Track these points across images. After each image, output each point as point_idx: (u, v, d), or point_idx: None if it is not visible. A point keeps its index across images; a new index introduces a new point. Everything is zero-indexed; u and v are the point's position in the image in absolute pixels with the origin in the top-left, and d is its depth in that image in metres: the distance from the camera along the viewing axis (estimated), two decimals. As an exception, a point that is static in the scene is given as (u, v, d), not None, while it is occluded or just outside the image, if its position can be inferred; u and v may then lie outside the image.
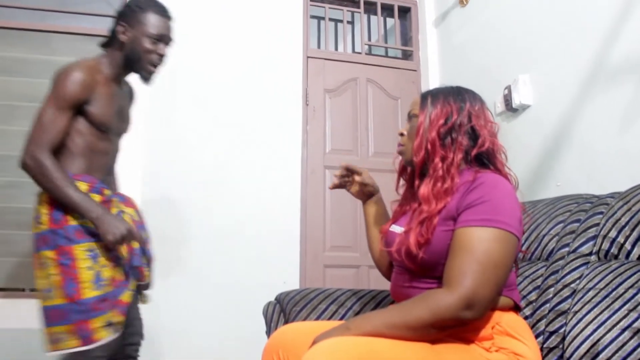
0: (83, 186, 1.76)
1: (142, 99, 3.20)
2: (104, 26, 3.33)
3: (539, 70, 2.65)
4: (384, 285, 1.67)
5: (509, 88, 2.79)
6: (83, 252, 1.69)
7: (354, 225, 3.46)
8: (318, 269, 3.35)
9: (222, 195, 3.20)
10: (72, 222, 1.71)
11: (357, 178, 1.60)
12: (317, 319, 1.72)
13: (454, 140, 1.26)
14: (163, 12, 1.92)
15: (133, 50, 1.87)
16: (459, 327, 1.08)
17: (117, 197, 1.94)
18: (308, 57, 3.60)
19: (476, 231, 1.10)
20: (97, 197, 1.78)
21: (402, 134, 1.37)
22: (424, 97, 1.34)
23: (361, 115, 3.63)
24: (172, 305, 2.97)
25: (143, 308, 3.03)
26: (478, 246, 1.07)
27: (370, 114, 3.65)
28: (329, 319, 1.72)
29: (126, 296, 1.79)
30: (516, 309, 1.22)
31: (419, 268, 1.20)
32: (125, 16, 1.89)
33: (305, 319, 1.73)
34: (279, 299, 1.91)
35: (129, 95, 2.10)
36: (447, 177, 1.21)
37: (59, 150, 1.77)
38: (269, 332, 1.89)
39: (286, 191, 3.36)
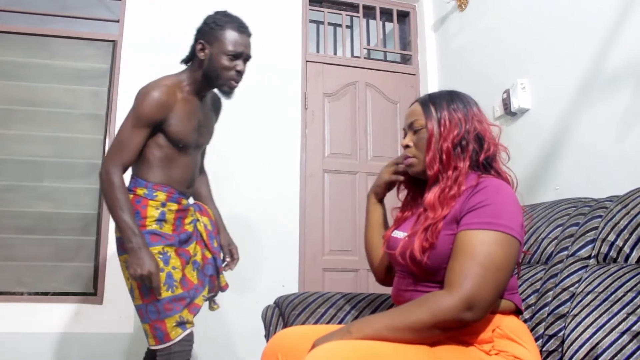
0: (161, 195, 1.88)
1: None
2: (102, 30, 3.34)
3: (538, 74, 2.66)
4: (383, 289, 1.67)
5: (507, 92, 2.79)
6: (155, 255, 1.79)
7: (353, 229, 3.46)
8: (317, 272, 3.35)
9: (222, 198, 3.18)
10: (148, 227, 1.84)
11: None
12: (316, 322, 1.72)
13: (464, 149, 1.25)
14: (241, 29, 1.89)
15: (211, 67, 1.87)
16: (460, 329, 1.08)
17: (195, 206, 2.06)
18: (307, 61, 3.60)
19: (478, 234, 1.10)
20: (174, 206, 1.90)
21: (407, 146, 1.33)
22: (425, 105, 1.32)
23: (360, 119, 3.63)
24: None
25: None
26: (480, 249, 1.08)
27: (369, 118, 3.65)
28: (328, 322, 1.71)
29: (200, 300, 1.92)
30: (517, 312, 1.22)
31: (422, 272, 1.20)
32: (203, 34, 1.89)
33: (304, 323, 1.72)
34: (278, 303, 1.90)
35: (213, 107, 2.11)
36: (455, 184, 1.21)
37: (139, 160, 1.89)
38: (267, 336, 1.88)
39: (285, 195, 3.36)
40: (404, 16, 4.02)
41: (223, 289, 2.09)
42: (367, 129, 3.63)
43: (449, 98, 1.31)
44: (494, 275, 1.06)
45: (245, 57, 1.91)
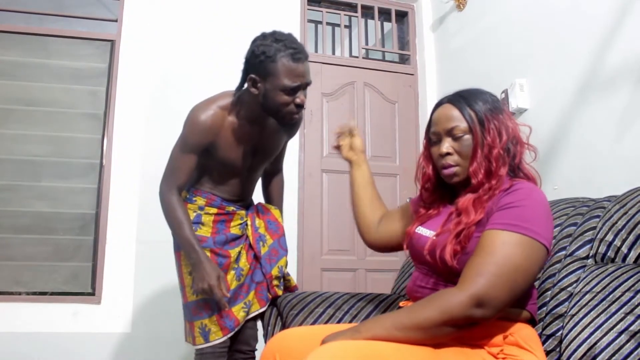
0: (200, 200, 1.86)
1: (140, 103, 3.20)
2: (100, 30, 3.34)
3: (536, 74, 2.66)
4: (382, 288, 1.67)
5: (505, 92, 2.79)
6: (184, 258, 1.82)
7: (352, 228, 3.45)
8: (315, 272, 3.35)
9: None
10: None
11: (349, 142, 1.67)
12: (314, 322, 1.72)
13: (503, 153, 1.22)
14: (296, 56, 1.61)
15: (267, 104, 1.67)
16: (471, 328, 1.07)
17: (251, 208, 1.99)
18: (305, 60, 3.60)
19: (501, 234, 1.08)
20: (213, 210, 1.86)
21: (449, 153, 1.25)
22: (461, 107, 1.25)
23: (358, 119, 3.63)
24: (168, 308, 2.96)
25: (137, 307, 3.02)
26: (500, 249, 1.06)
27: (367, 117, 3.65)
28: (326, 322, 1.71)
29: (238, 310, 1.84)
30: (531, 322, 1.21)
31: (448, 273, 1.19)
32: (253, 67, 1.65)
33: (302, 323, 1.72)
34: (276, 303, 1.90)
35: (277, 128, 1.88)
36: (491, 190, 1.19)
37: None
38: (266, 336, 1.89)
39: (284, 194, 3.36)
40: (402, 16, 4.02)
41: (292, 290, 1.99)
42: (365, 129, 3.63)
43: (482, 98, 1.26)
44: (509, 276, 1.04)
45: (305, 87, 1.67)
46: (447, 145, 1.25)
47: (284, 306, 1.83)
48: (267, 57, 1.60)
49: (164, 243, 2.95)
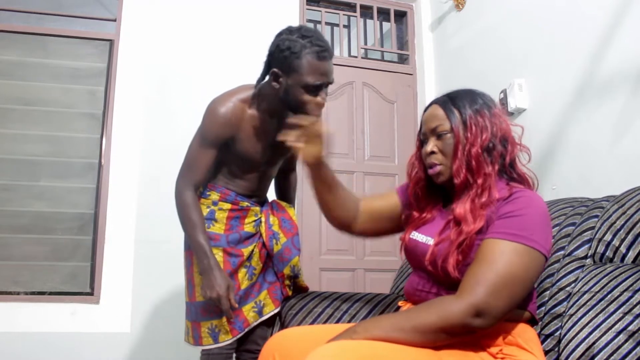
0: (214, 195, 1.82)
1: (139, 103, 3.20)
2: (99, 29, 3.34)
3: (535, 74, 2.67)
4: (380, 288, 1.67)
5: (504, 92, 2.79)
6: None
7: (350, 228, 3.46)
8: (314, 272, 3.35)
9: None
10: None
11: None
12: (313, 322, 1.72)
13: (491, 152, 1.21)
14: (321, 55, 1.60)
15: (288, 99, 1.64)
16: (468, 335, 1.06)
17: (266, 205, 1.93)
18: (304, 60, 3.60)
19: (501, 244, 1.08)
20: (227, 205, 1.82)
21: (432, 152, 1.26)
22: (446, 107, 1.26)
23: (357, 119, 3.63)
24: (167, 308, 2.96)
25: (135, 307, 3.02)
26: (499, 259, 1.06)
27: (366, 117, 3.66)
28: (325, 322, 1.71)
29: (248, 310, 1.79)
30: (532, 322, 1.21)
31: (450, 282, 1.18)
32: (277, 61, 1.62)
33: (301, 323, 1.72)
34: (275, 303, 1.90)
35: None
36: (484, 192, 1.17)
37: None
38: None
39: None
40: (401, 16, 4.02)
41: (303, 291, 1.93)
42: (364, 129, 3.63)
43: (470, 98, 1.26)
44: (509, 286, 1.04)
45: (327, 85, 1.67)
46: (432, 144, 1.26)
47: (283, 306, 1.83)
48: (292, 53, 1.58)
49: (163, 243, 2.95)
